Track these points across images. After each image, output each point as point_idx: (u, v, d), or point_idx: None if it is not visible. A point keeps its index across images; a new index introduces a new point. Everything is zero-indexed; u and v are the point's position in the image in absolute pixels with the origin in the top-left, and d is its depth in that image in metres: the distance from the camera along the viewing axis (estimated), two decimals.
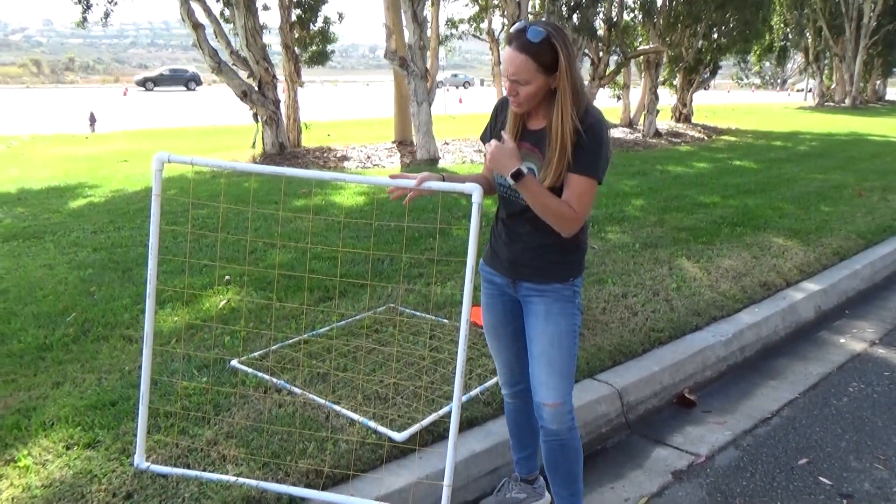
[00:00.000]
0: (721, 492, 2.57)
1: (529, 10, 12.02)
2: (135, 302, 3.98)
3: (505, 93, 1.95)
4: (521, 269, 2.07)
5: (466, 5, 18.07)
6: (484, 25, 18.96)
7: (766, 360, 3.82)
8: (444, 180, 2.11)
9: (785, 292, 4.45)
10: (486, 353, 3.33)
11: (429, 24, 11.22)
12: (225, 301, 4.00)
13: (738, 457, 2.82)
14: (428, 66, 10.93)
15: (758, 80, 53.35)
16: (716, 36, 17.03)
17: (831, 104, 30.53)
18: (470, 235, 2.11)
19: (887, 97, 39.90)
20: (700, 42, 16.63)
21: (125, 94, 37.56)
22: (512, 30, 1.89)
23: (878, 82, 37.31)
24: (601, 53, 15.01)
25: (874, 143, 13.97)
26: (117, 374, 3.03)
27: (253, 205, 6.91)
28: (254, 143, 11.07)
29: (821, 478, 2.65)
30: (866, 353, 3.87)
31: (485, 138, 2.17)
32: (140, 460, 2.33)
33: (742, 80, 44.28)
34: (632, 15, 16.23)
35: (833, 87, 31.97)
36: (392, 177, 2.13)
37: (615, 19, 14.76)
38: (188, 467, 2.34)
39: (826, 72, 31.88)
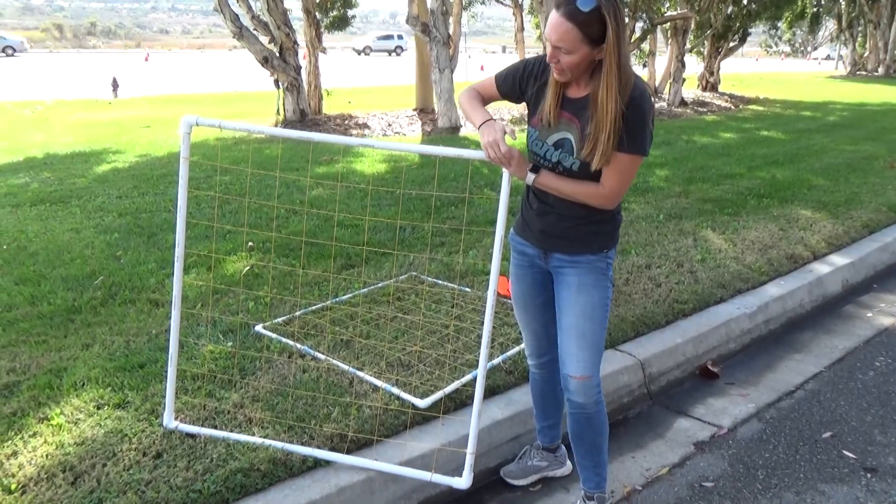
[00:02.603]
0: (743, 463, 2.57)
1: None
2: (160, 266, 4.03)
3: (547, 59, 1.85)
4: (554, 241, 2.05)
5: None
6: None
7: (791, 333, 3.78)
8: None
9: (812, 265, 4.38)
10: (507, 322, 3.33)
11: None
12: (248, 267, 4.03)
13: (761, 429, 2.81)
14: (450, 32, 10.77)
15: (787, 48, 51.92)
16: (746, 1, 16.54)
17: (864, 73, 29.66)
18: (500, 205, 2.09)
19: None
20: (730, 8, 16.17)
21: (147, 59, 37.60)
22: None
23: None
24: (626, 19, 14.66)
25: None
26: (145, 337, 3.09)
27: (275, 171, 6.92)
28: (278, 110, 11.05)
29: (845, 451, 2.63)
30: (894, 328, 3.81)
31: (502, 87, 2.06)
32: (169, 420, 2.38)
33: (771, 48, 43.13)
34: None
35: (866, 55, 31.03)
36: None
37: None
38: (215, 429, 2.38)
39: (859, 39, 30.92)
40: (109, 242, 4.50)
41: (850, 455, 2.61)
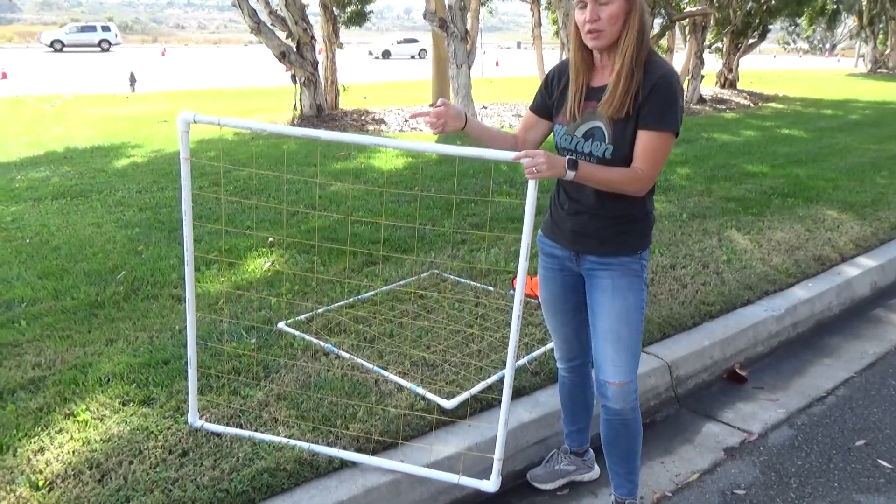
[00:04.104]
0: (775, 471, 2.52)
1: None
2: (182, 262, 4.01)
3: (587, 18, 1.82)
4: (587, 242, 2.00)
5: None
6: None
7: (819, 337, 3.71)
8: (466, 120, 1.99)
9: (839, 267, 4.30)
10: (532, 321, 3.29)
11: None
12: (269, 263, 4.01)
13: (793, 436, 2.75)
14: (468, 27, 10.70)
15: (806, 45, 51.33)
16: None
17: (884, 71, 29.23)
18: (527, 206, 2.04)
19: None
20: (749, 4, 15.97)
21: (163, 54, 37.81)
22: None
23: None
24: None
25: None
26: (168, 333, 3.08)
27: (292, 167, 6.92)
28: (294, 105, 11.05)
29: (880, 460, 2.57)
30: None
31: (535, 107, 2.09)
32: (194, 419, 2.36)
33: (789, 45, 42.67)
34: None
35: (888, 52, 30.58)
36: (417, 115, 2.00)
37: None
38: (240, 427, 2.36)
39: (880, 37, 30.46)
40: (131, 237, 4.51)
41: (886, 464, 2.55)
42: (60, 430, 2.32)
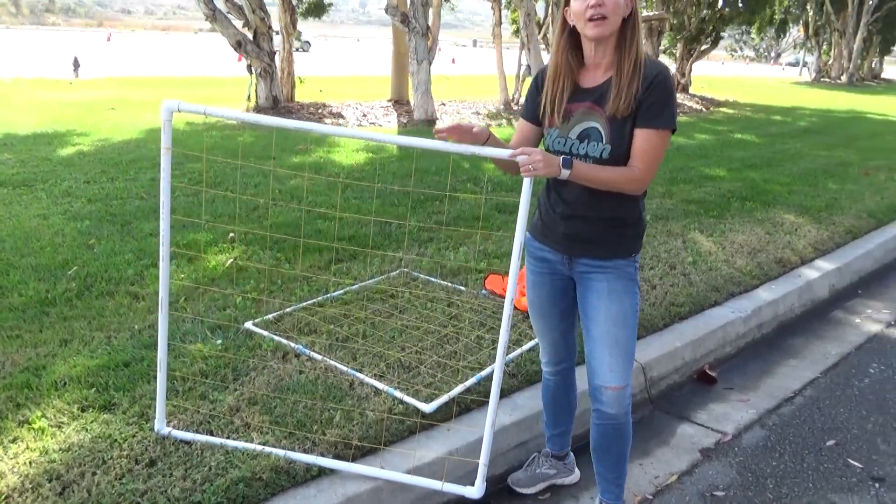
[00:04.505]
0: (752, 472, 2.54)
1: None
2: (137, 257, 3.83)
3: (590, 3, 1.76)
4: (581, 246, 1.96)
5: None
6: None
7: (783, 338, 3.79)
8: (489, 137, 1.92)
9: (800, 270, 4.40)
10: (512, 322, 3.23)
11: None
12: (231, 260, 3.86)
13: (765, 436, 2.78)
14: (430, 23, 10.62)
15: (752, 53, 53.07)
16: (720, 5, 16.77)
17: (827, 80, 30.45)
18: (520, 205, 1.98)
19: (883, 75, 39.89)
20: (704, 11, 16.36)
21: (109, 39, 36.46)
22: None
23: (875, 60, 37.25)
24: None
25: (874, 122, 13.94)
26: (127, 333, 2.91)
27: (250, 160, 6.72)
28: (249, 96, 10.75)
29: (850, 460, 2.62)
30: (883, 335, 3.84)
31: (528, 116, 2.01)
32: (161, 426, 2.23)
33: (736, 52, 44.03)
34: None
35: (830, 62, 31.85)
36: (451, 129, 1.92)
37: None
38: (211, 434, 2.24)
39: (824, 47, 31.70)
40: (81, 230, 4.27)
41: (856, 464, 2.60)
42: (14, 440, 2.15)
